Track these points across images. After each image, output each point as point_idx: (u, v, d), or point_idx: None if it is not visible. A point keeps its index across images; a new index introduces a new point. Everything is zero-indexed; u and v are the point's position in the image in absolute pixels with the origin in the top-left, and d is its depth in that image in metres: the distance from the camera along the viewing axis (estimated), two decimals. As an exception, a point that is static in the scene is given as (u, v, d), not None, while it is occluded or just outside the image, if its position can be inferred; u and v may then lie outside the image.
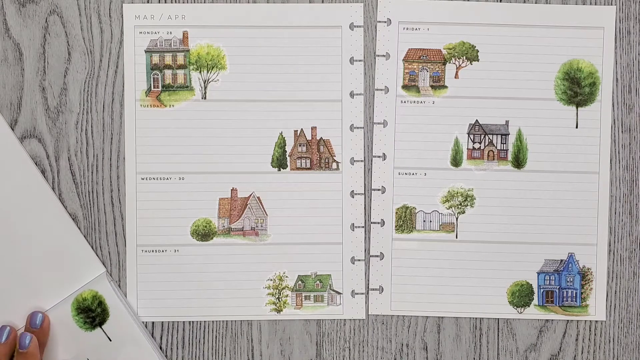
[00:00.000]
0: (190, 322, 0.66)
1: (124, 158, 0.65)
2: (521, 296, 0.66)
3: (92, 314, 0.63)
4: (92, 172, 0.65)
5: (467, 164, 0.66)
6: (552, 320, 0.66)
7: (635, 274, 0.66)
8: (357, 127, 0.66)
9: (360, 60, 0.66)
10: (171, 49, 0.66)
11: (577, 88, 0.66)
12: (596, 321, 0.66)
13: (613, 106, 0.66)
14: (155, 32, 0.66)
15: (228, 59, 0.66)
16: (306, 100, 0.66)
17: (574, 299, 0.66)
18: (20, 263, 0.63)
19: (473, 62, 0.66)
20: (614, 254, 0.66)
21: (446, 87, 0.66)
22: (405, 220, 0.66)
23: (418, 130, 0.66)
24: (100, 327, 0.63)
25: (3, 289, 0.63)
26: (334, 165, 0.66)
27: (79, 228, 0.65)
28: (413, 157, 0.66)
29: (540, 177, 0.66)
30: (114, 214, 0.65)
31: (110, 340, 0.63)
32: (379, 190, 0.66)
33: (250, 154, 0.66)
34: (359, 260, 0.66)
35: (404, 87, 0.66)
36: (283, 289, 0.66)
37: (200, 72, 0.66)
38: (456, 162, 0.66)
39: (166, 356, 0.65)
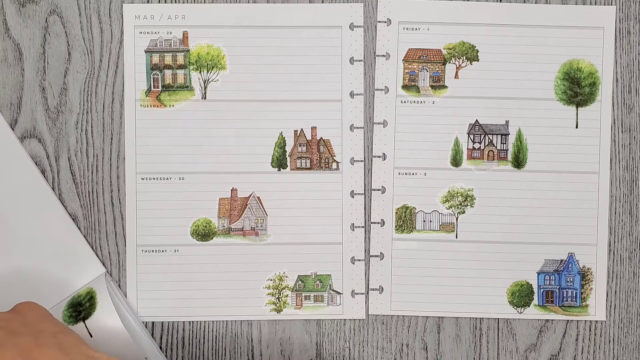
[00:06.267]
0: (190, 322, 0.66)
1: (124, 158, 0.65)
2: (521, 296, 0.66)
3: (80, 307, 0.62)
4: (92, 172, 0.65)
5: (467, 164, 0.66)
6: (552, 320, 0.66)
7: (635, 274, 0.66)
8: (357, 127, 0.66)
9: (360, 60, 0.66)
10: (171, 49, 0.66)
11: (577, 88, 0.66)
12: (596, 321, 0.66)
13: (613, 106, 0.66)
14: (155, 32, 0.66)
15: (228, 59, 0.66)
16: (306, 100, 0.66)
17: (574, 299, 0.66)
18: (20, 263, 0.63)
19: (473, 62, 0.66)
20: (614, 254, 0.66)
21: (446, 87, 0.66)
22: (405, 220, 0.66)
23: (418, 130, 0.66)
24: (83, 321, 0.62)
25: (3, 289, 0.62)
26: (334, 165, 0.66)
27: (79, 228, 0.65)
28: (413, 157, 0.66)
29: (540, 177, 0.66)
30: (114, 214, 0.65)
31: (92, 336, 0.62)
32: (379, 190, 0.66)
33: (250, 154, 0.66)
34: (359, 260, 0.66)
35: (404, 87, 0.66)
36: (283, 289, 0.66)
37: (200, 72, 0.66)
38: (456, 162, 0.66)
39: (166, 356, 0.65)
